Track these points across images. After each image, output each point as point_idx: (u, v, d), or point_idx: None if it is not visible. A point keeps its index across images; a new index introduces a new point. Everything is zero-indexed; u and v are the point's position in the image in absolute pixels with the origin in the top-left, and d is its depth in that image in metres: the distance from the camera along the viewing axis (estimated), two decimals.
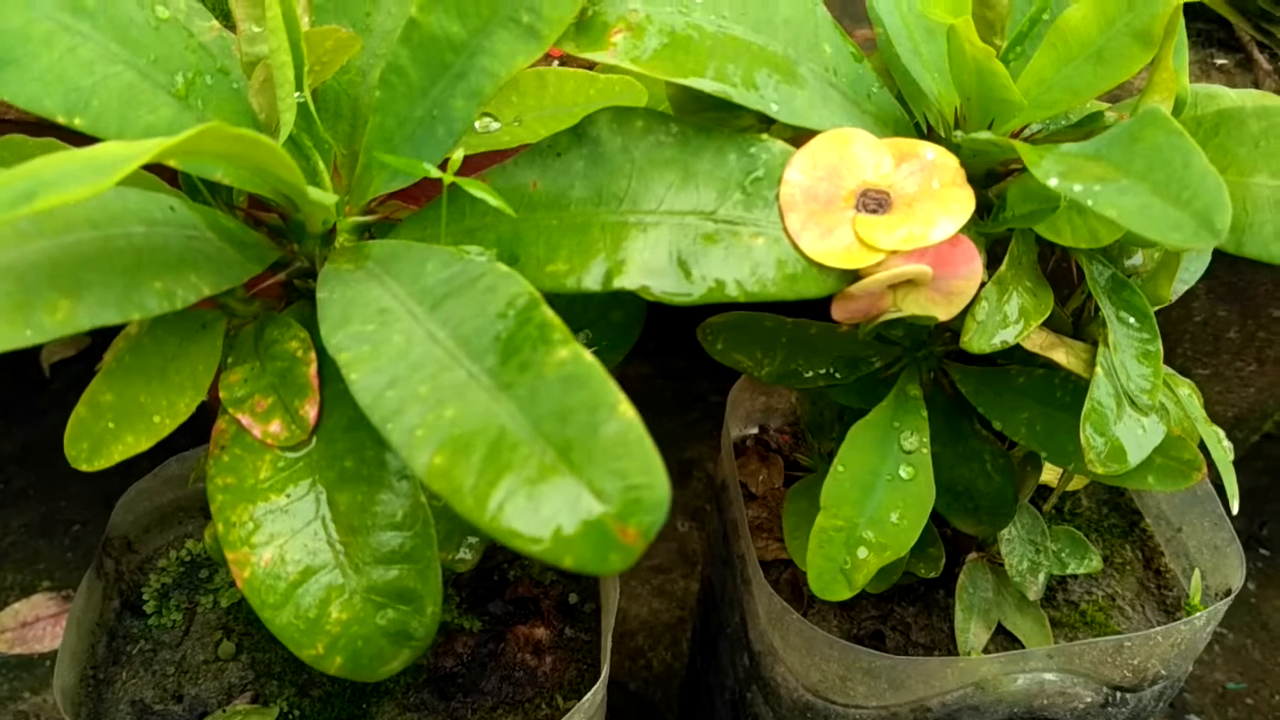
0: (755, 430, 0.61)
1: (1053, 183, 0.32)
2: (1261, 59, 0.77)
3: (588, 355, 0.29)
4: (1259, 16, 0.78)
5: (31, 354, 0.94)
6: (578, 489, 0.27)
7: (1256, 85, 0.76)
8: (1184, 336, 0.73)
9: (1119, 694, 0.50)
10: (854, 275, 0.36)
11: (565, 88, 0.43)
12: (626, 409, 0.28)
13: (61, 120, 0.32)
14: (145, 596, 0.53)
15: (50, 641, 0.76)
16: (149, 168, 0.37)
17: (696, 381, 1.02)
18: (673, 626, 0.86)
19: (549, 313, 0.30)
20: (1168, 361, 0.74)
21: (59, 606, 0.80)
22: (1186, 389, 0.46)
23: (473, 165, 0.37)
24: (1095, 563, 0.53)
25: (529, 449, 0.28)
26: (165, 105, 0.34)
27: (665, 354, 1.02)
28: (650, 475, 0.27)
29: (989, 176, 0.41)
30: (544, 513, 0.27)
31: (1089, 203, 0.32)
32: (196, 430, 0.40)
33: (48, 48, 0.32)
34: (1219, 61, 0.78)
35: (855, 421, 0.45)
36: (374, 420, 0.29)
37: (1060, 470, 0.56)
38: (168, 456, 0.54)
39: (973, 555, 0.52)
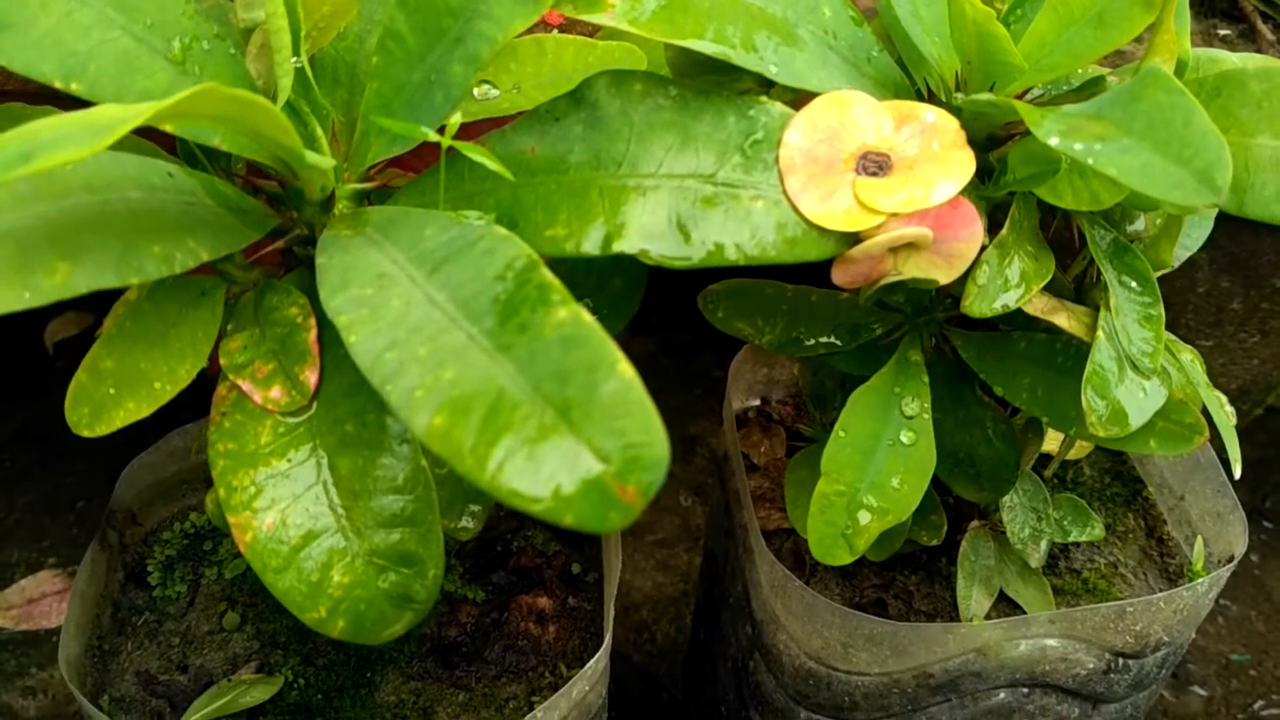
0: (757, 402, 0.61)
1: (1053, 142, 0.32)
2: (1265, 29, 0.77)
3: (586, 315, 0.29)
4: None
5: (34, 332, 0.94)
6: (577, 448, 0.27)
7: (1259, 54, 0.76)
8: (1187, 307, 0.72)
9: (1121, 660, 0.50)
10: (854, 239, 0.36)
11: (564, 55, 0.43)
12: (625, 368, 0.28)
13: (59, 85, 0.32)
14: (149, 568, 0.53)
15: (56, 617, 0.76)
16: (146, 134, 0.37)
17: (700, 357, 1.02)
18: (676, 600, 0.87)
19: (548, 274, 0.30)
20: (1172, 334, 0.74)
21: (64, 583, 0.81)
22: (1189, 354, 0.46)
23: (472, 132, 0.37)
24: (1097, 530, 0.53)
25: (528, 409, 0.28)
26: (162, 71, 0.34)
27: (669, 330, 1.02)
28: (649, 434, 0.27)
29: (990, 140, 0.41)
30: (544, 472, 0.27)
31: (1089, 161, 0.31)
32: (198, 403, 0.40)
33: (45, 12, 0.32)
34: (1222, 32, 0.77)
35: (857, 384, 0.45)
36: (373, 382, 0.29)
37: (1061, 438, 0.56)
38: (170, 430, 0.54)
39: (975, 523, 0.52)
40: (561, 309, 0.29)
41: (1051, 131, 0.32)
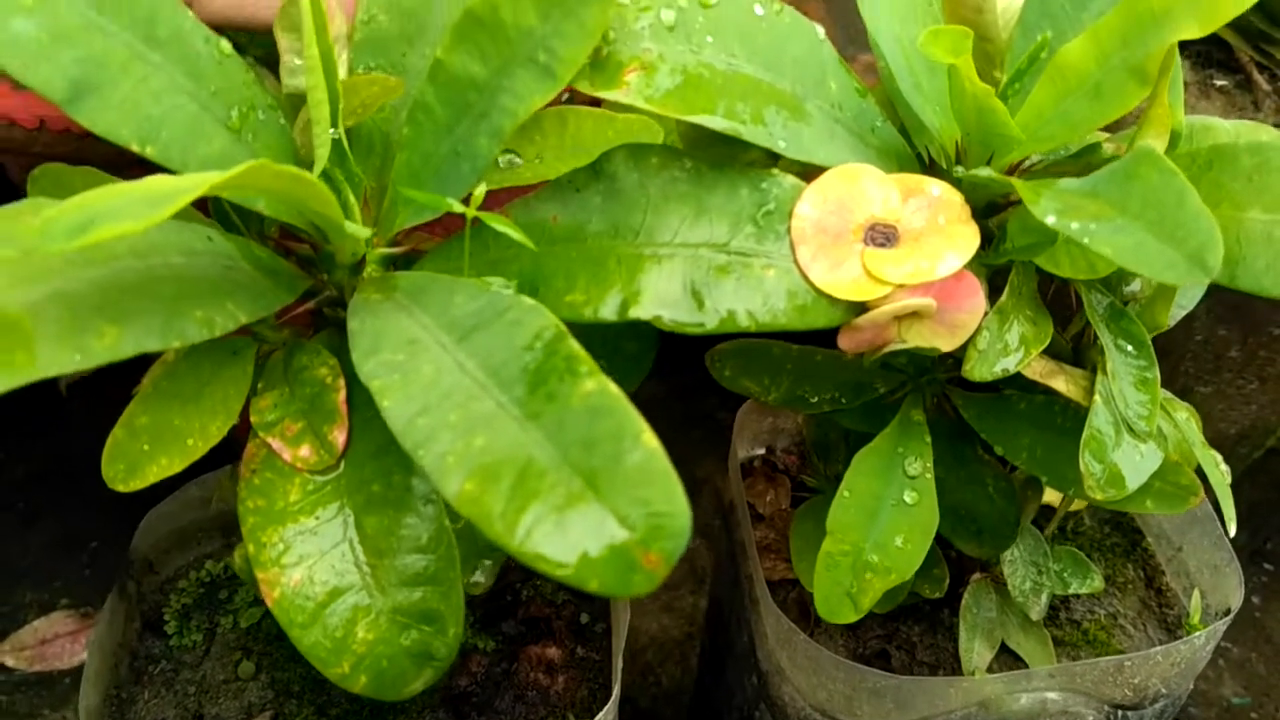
0: (762, 451, 0.62)
1: (1050, 220, 0.34)
2: (1261, 80, 0.79)
3: (613, 386, 0.30)
4: (1258, 37, 0.80)
5: None
6: (603, 515, 0.28)
7: (1256, 106, 0.78)
8: (1185, 355, 0.74)
9: (1120, 712, 0.51)
10: (861, 306, 0.37)
11: (585, 127, 0.45)
12: (650, 438, 0.29)
13: (135, 148, 0.34)
14: (166, 617, 0.54)
15: (69, 659, 0.77)
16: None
17: (706, 399, 1.03)
18: (682, 643, 0.87)
19: (576, 345, 0.31)
20: (1170, 379, 0.76)
21: (77, 624, 0.81)
22: (1185, 413, 0.47)
23: (497, 198, 0.39)
24: (1097, 582, 0.54)
25: (556, 476, 0.29)
26: (220, 137, 0.36)
27: (675, 372, 1.03)
28: (672, 503, 0.28)
29: (990, 207, 0.43)
30: (571, 538, 0.28)
31: (1085, 241, 0.33)
32: (215, 453, 0.41)
33: (125, 75, 0.33)
34: (1218, 82, 0.79)
35: (860, 443, 0.46)
36: (406, 446, 0.31)
37: (1059, 495, 0.57)
38: (185, 477, 0.55)
39: (976, 575, 0.53)
40: (589, 380, 0.30)
41: (1048, 210, 0.34)
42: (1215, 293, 0.50)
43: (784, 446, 0.63)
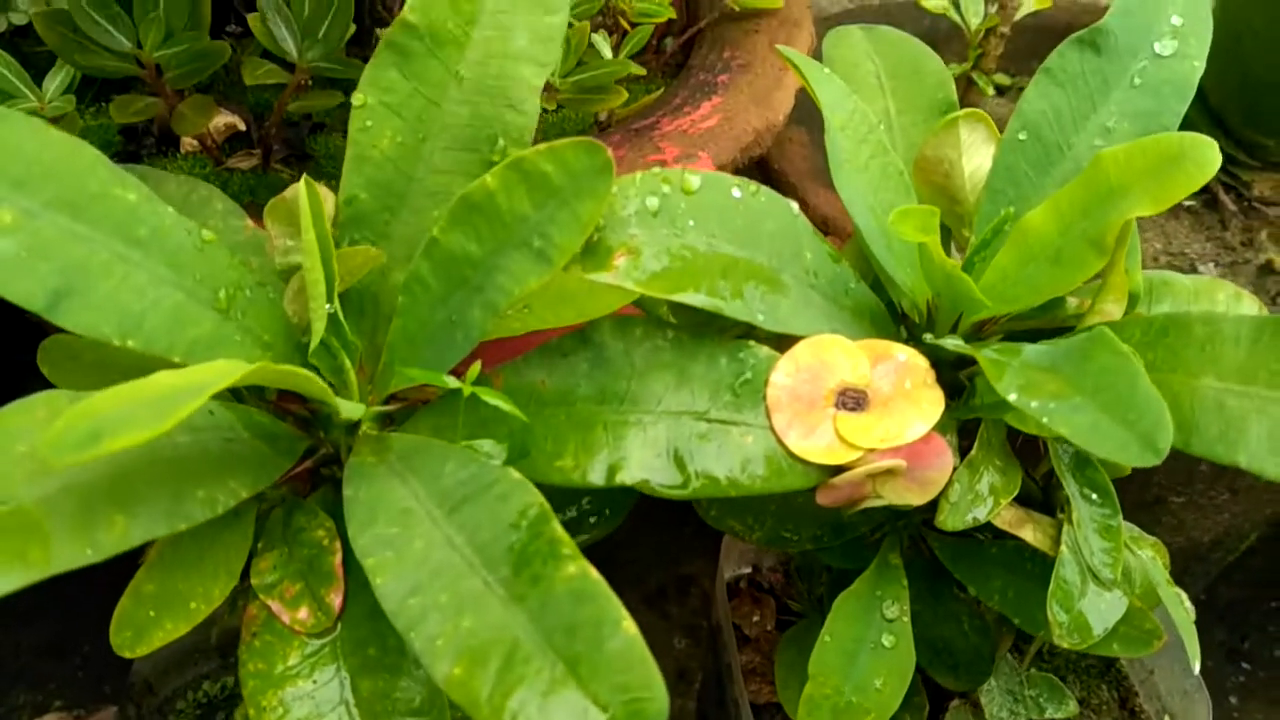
0: (748, 570, 0.64)
1: (1012, 398, 0.36)
2: (1227, 200, 0.82)
3: (594, 572, 0.32)
4: (1225, 160, 0.83)
5: None
6: (584, 703, 0.30)
7: (1223, 225, 0.81)
8: (1158, 469, 0.76)
9: None
10: (837, 468, 0.39)
11: (570, 277, 0.47)
12: (629, 625, 0.31)
13: (115, 343, 0.35)
14: None
15: None
16: None
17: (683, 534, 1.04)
18: None
19: (558, 528, 0.33)
20: (1143, 491, 0.77)
21: None
22: (1150, 550, 0.49)
23: (485, 350, 0.40)
24: (1071, 707, 0.55)
25: (540, 661, 0.31)
26: (208, 319, 0.38)
27: None
28: (650, 689, 0.30)
29: (960, 360, 0.45)
30: None
31: (1044, 420, 0.35)
32: None
33: (106, 277, 0.35)
34: (1186, 203, 0.82)
35: (842, 574, 0.48)
36: (398, 627, 0.32)
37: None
38: None
39: (955, 702, 0.54)
40: (571, 564, 0.32)
41: (1011, 387, 0.36)
42: None
43: (769, 565, 0.64)
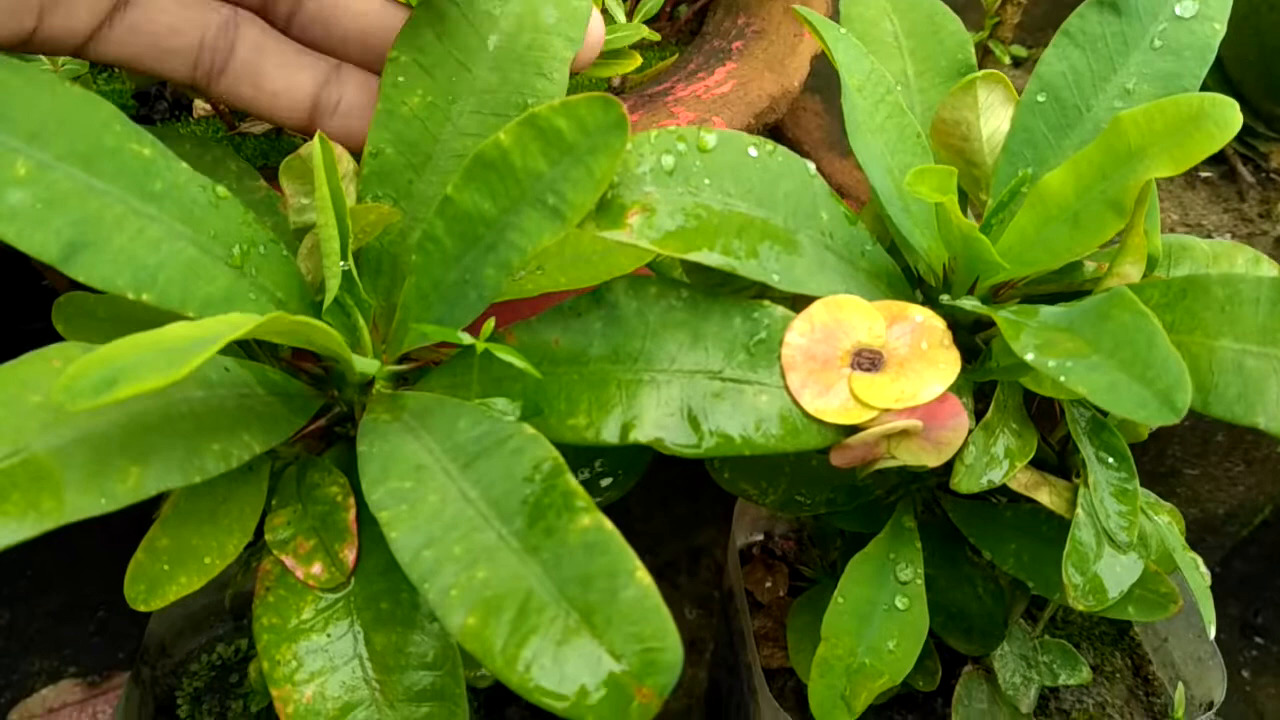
0: (760, 537, 0.64)
1: (1029, 358, 0.36)
2: (1245, 171, 0.81)
3: (608, 523, 0.32)
4: (1242, 131, 0.82)
5: None
6: (598, 651, 0.30)
7: (1240, 196, 0.80)
8: (1174, 439, 0.76)
9: None
10: (852, 428, 0.39)
11: (584, 238, 0.47)
12: (643, 575, 0.31)
13: (130, 296, 0.36)
14: (179, 700, 0.56)
15: None
16: None
17: (695, 502, 1.04)
18: (680, 715, 0.88)
19: (572, 481, 0.33)
20: (1158, 462, 0.77)
21: (84, 693, 0.83)
22: (1166, 516, 0.49)
23: (498, 311, 0.40)
24: (1085, 674, 0.55)
25: (554, 611, 0.31)
26: (222, 275, 0.38)
27: None
28: (664, 639, 0.30)
29: (977, 323, 0.45)
30: (568, 673, 0.30)
31: (1061, 378, 0.35)
32: None
33: (119, 230, 0.35)
34: (1204, 174, 0.81)
35: (855, 538, 0.47)
36: (412, 578, 0.32)
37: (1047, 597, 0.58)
38: None
39: (968, 667, 0.54)
40: (585, 516, 0.32)
41: (1028, 347, 0.36)
42: None
43: (781, 532, 0.64)
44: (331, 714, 0.36)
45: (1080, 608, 0.41)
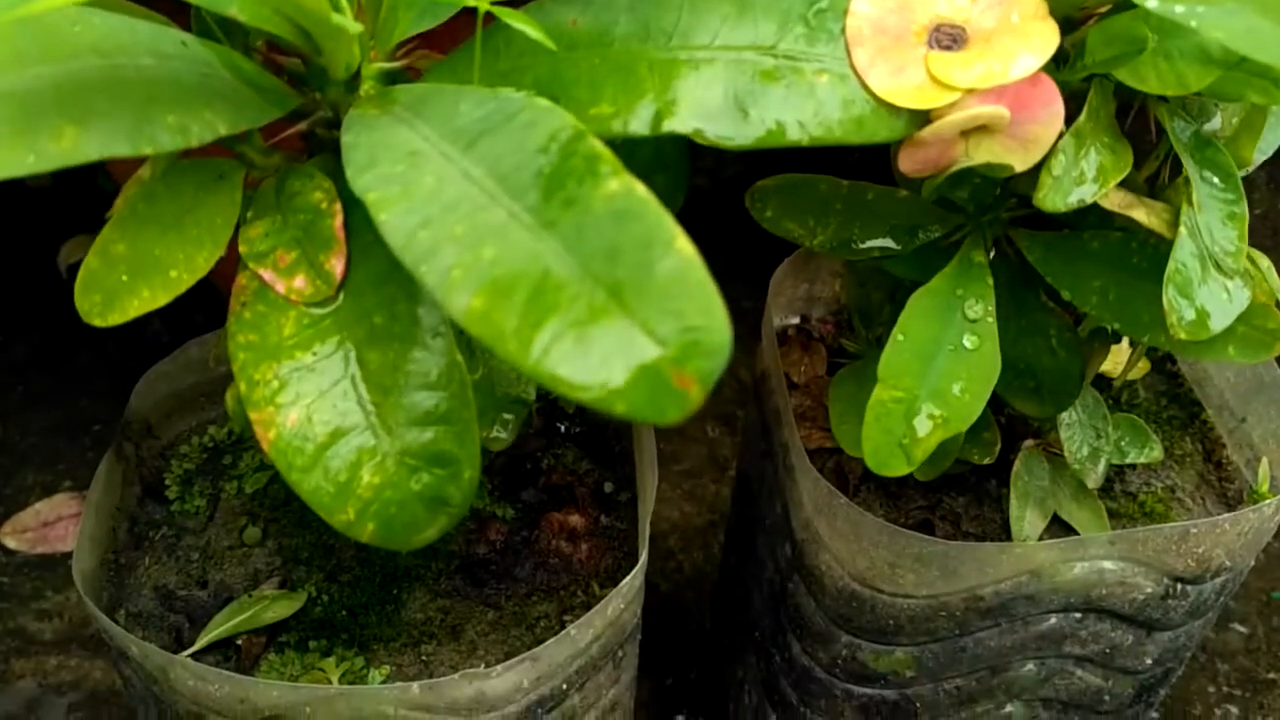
0: (797, 320, 0.59)
1: (1152, 5, 0.29)
2: None
3: (640, 188, 0.26)
4: None
5: (48, 256, 0.92)
6: (630, 331, 0.24)
7: None
8: None
9: (1180, 585, 0.47)
10: (924, 118, 0.33)
11: None
12: (684, 244, 0.25)
13: None
14: (167, 482, 0.52)
15: (71, 541, 0.74)
16: (158, 7, 0.34)
17: (731, 286, 0.98)
18: (703, 530, 0.85)
19: (596, 144, 0.27)
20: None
21: (80, 506, 0.79)
22: (1267, 261, 0.43)
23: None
24: (1156, 451, 0.50)
25: (577, 289, 0.25)
26: None
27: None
28: (710, 316, 0.25)
29: (1065, 24, 0.38)
30: (594, 357, 0.25)
31: (1193, 24, 0.29)
32: (214, 312, 0.38)
33: None
34: None
35: (907, 301, 0.42)
36: (406, 262, 0.27)
37: (1120, 360, 0.53)
38: (186, 339, 0.52)
39: (1028, 442, 0.49)
40: (612, 180, 0.26)
41: None
42: (1278, 160, 0.46)
43: (820, 315, 0.59)
44: (321, 440, 0.32)
45: (1182, 337, 0.35)
